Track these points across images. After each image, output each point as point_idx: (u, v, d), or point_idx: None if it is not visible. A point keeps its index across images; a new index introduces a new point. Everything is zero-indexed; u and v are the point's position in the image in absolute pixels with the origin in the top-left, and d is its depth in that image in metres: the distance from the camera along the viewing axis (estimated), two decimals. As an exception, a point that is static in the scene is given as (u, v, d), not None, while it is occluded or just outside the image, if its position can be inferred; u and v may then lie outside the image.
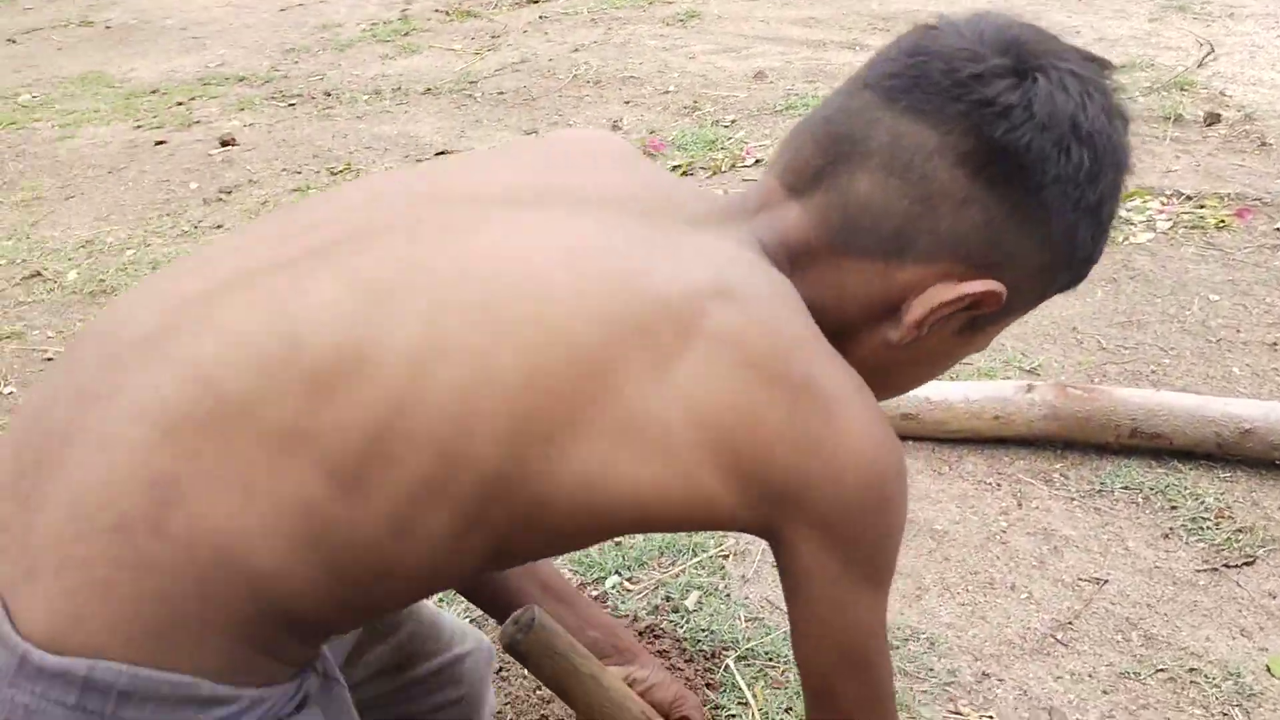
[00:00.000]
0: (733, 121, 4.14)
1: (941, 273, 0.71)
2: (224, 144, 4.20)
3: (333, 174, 3.86)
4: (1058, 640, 1.71)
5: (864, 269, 0.71)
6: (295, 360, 0.63)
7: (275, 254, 0.69)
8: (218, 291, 0.67)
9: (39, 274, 3.23)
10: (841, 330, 0.73)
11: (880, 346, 0.74)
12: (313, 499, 0.62)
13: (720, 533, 1.98)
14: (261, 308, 0.65)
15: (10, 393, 2.58)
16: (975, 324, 0.75)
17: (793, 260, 0.73)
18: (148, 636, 0.61)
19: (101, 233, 3.52)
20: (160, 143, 4.30)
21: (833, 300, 0.73)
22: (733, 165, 3.74)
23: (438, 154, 3.96)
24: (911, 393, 2.24)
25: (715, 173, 3.66)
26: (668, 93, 4.46)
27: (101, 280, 3.14)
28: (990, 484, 2.09)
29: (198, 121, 4.56)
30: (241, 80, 5.15)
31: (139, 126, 4.55)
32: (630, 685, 0.93)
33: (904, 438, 2.22)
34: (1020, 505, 2.02)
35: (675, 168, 3.61)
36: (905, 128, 0.68)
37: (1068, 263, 0.74)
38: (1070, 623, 1.74)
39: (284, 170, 3.95)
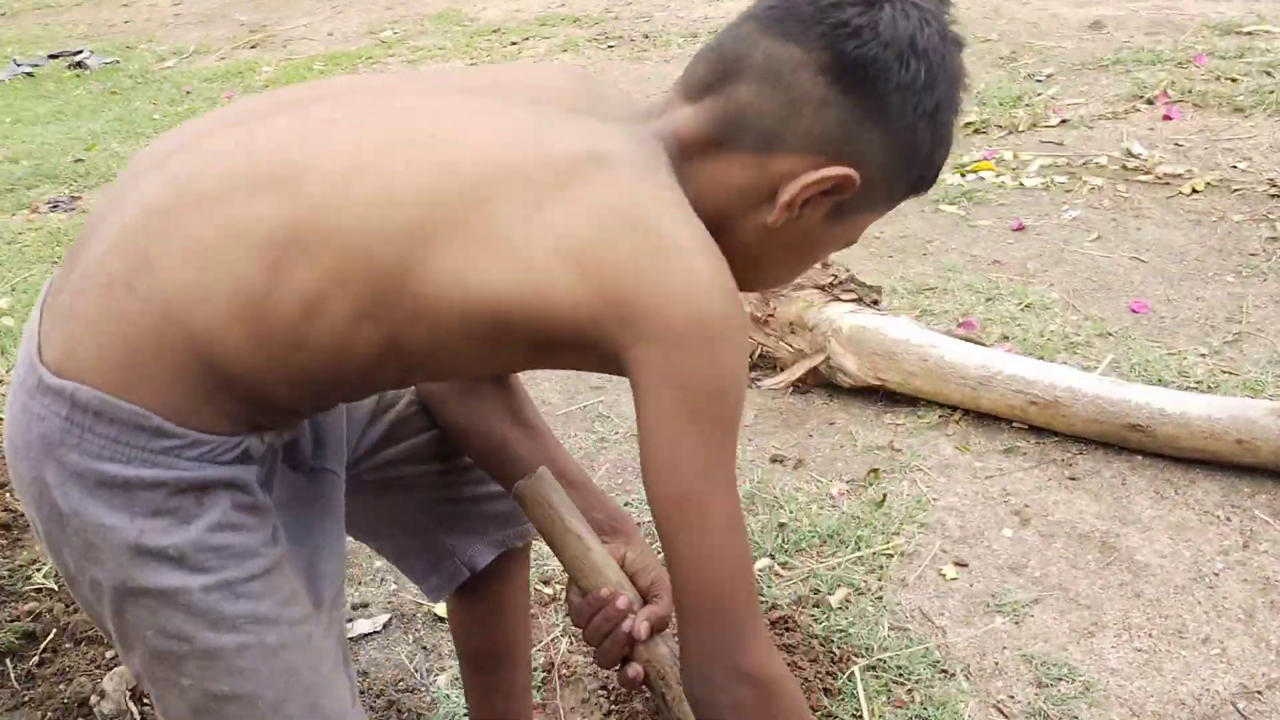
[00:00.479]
0: (1049, 75, 3.80)
1: (808, 164, 0.85)
2: (539, 84, 4.39)
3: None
4: (1238, 710, 1.49)
5: (743, 160, 0.87)
6: (248, 170, 0.82)
7: (261, 107, 0.90)
8: (213, 129, 0.88)
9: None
10: (723, 217, 0.87)
11: (758, 230, 0.89)
12: (243, 277, 0.80)
13: (880, 527, 1.88)
14: (235, 137, 0.86)
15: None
16: (841, 211, 0.89)
17: (683, 151, 0.88)
18: (116, 370, 0.80)
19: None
20: (486, 81, 4.57)
21: (716, 189, 0.88)
22: (1033, 125, 3.44)
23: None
24: (1145, 402, 2.00)
25: (1011, 131, 3.40)
26: (988, 40, 4.17)
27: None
28: (1218, 516, 1.84)
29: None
30: (575, 21, 5.36)
31: (473, 63, 4.86)
32: (621, 564, 1.02)
33: (1131, 452, 2.00)
34: (1246, 546, 1.77)
35: (967, 124, 3.38)
36: (778, 47, 0.85)
37: (911, 160, 0.88)
38: (1260, 692, 1.51)
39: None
